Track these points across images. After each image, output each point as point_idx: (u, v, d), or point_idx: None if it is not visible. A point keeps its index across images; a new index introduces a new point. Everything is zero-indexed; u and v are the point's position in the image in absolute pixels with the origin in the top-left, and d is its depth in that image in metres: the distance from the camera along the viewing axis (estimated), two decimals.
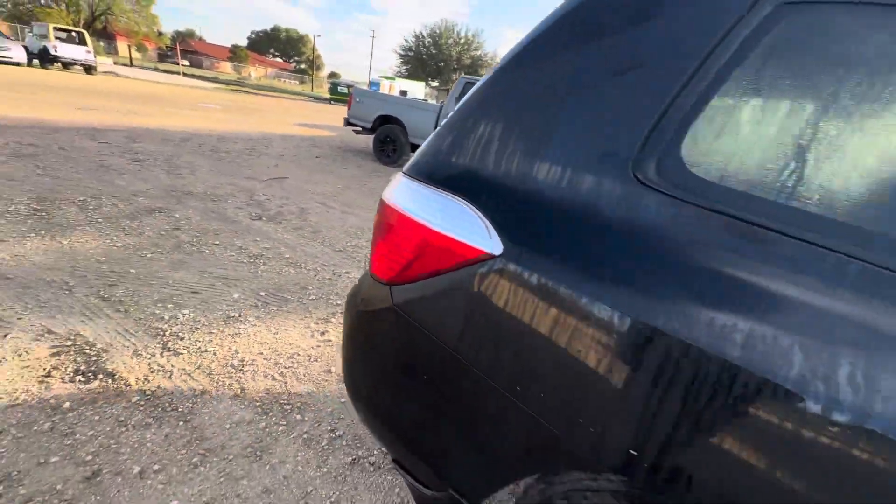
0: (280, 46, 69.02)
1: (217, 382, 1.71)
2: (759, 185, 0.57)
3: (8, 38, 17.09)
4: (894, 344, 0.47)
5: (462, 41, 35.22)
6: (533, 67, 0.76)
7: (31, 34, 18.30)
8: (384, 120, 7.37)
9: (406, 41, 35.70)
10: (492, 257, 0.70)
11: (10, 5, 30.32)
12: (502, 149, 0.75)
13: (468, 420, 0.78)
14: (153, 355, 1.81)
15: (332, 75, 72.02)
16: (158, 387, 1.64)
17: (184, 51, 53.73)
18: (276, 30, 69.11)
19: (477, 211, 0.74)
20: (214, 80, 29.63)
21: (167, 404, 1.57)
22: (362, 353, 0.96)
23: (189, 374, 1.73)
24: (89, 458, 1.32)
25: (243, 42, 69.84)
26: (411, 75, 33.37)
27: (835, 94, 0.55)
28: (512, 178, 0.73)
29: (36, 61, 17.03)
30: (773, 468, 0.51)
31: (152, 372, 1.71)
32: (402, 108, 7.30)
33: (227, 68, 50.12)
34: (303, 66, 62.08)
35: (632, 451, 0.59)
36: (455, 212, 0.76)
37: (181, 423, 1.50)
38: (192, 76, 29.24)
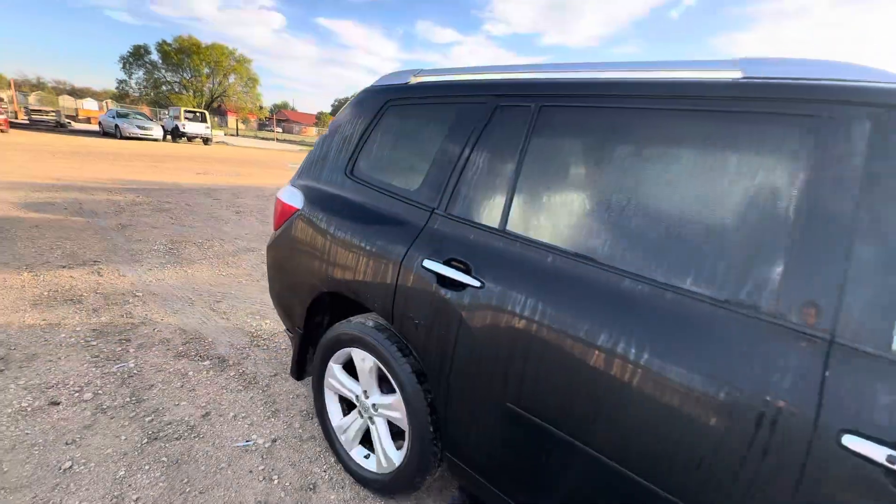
0: None
1: (285, 370, 2.36)
2: (384, 177, 1.59)
3: (150, 119, 21.91)
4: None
5: None
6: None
7: (167, 116, 23.29)
8: None
9: None
10: (300, 210, 1.74)
11: (152, 94, 38.73)
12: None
13: (290, 282, 1.83)
14: (244, 347, 2.54)
15: None
16: (248, 369, 2.33)
17: (279, 120, 63.06)
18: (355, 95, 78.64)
19: (299, 192, 1.80)
20: (301, 143, 34.46)
21: (252, 379, 2.24)
22: (269, 266, 1.99)
23: (267, 363, 2.41)
24: (203, 404, 2.00)
25: (327, 109, 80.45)
26: None
27: (416, 139, 1.61)
28: (316, 179, 1.80)
29: (169, 136, 21.52)
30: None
31: (244, 358, 2.42)
32: None
33: (312, 132, 57.77)
34: None
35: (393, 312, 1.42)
36: (295, 195, 1.80)
37: (260, 391, 2.15)
38: (284, 141, 34.43)
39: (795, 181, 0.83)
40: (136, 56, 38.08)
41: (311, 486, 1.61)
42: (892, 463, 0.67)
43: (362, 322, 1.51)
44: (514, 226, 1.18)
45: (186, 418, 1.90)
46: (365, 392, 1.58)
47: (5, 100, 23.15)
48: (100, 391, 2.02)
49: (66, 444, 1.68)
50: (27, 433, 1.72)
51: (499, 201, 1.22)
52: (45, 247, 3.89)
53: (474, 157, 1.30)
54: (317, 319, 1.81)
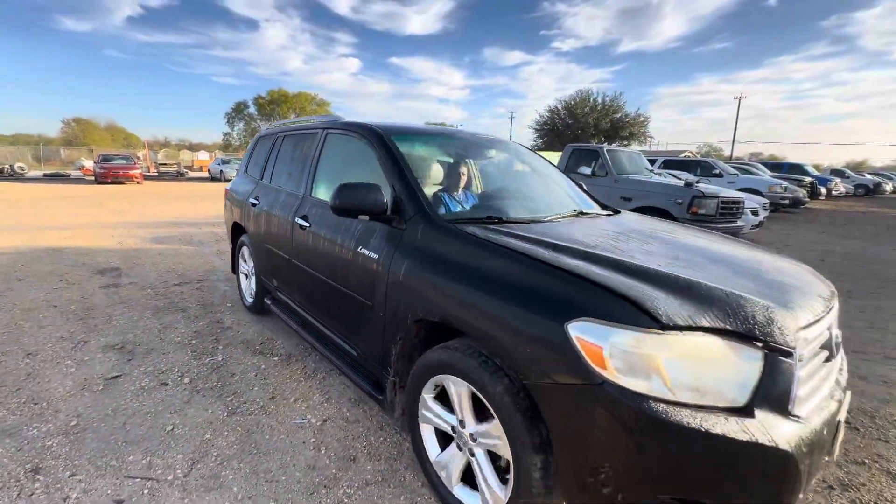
0: None
1: None
2: (269, 177, 3.30)
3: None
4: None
5: (599, 107, 36.43)
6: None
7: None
8: None
9: (540, 116, 38.66)
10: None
11: (249, 141, 45.11)
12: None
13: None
14: (308, 347, 2.97)
15: None
16: (309, 364, 2.75)
17: None
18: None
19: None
20: None
21: (312, 373, 2.63)
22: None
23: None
24: (271, 390, 2.43)
25: None
26: (547, 147, 35.63)
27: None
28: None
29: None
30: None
31: (306, 356, 2.85)
32: None
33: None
34: None
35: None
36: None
37: (318, 382, 2.52)
38: None
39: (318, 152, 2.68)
40: (237, 111, 45.03)
41: (352, 458, 1.89)
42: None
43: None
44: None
45: (258, 399, 2.33)
46: None
47: (141, 157, 28.89)
48: (196, 377, 2.55)
49: (171, 413, 2.19)
50: (144, 404, 2.26)
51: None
52: (163, 269, 4.89)
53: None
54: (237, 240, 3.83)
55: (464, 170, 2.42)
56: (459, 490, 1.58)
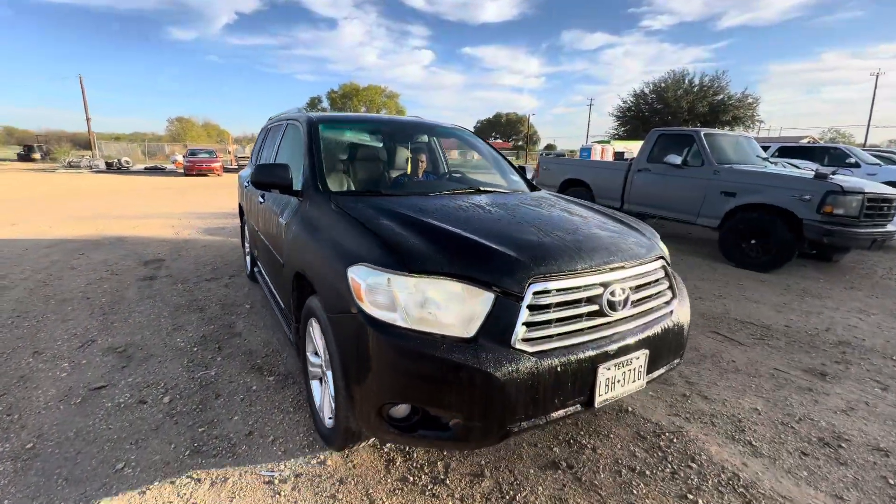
0: (501, 129, 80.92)
1: None
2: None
3: None
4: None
5: (696, 89, 32.75)
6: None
7: None
8: (570, 183, 7.73)
9: (624, 102, 35.71)
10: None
11: None
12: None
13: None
14: None
15: (549, 147, 78.08)
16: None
17: None
18: (497, 116, 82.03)
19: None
20: None
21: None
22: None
23: None
24: (251, 423, 2.05)
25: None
26: (630, 135, 32.87)
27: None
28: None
29: None
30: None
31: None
32: (587, 170, 7.52)
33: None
34: (520, 142, 70.18)
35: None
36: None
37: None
38: None
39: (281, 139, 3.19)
40: (312, 105, 47.79)
41: None
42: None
43: None
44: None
45: (232, 434, 1.96)
46: None
47: (231, 151, 31.58)
48: (178, 396, 2.27)
49: (131, 443, 1.90)
50: (110, 428, 2.00)
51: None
52: (203, 262, 4.89)
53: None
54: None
55: (387, 151, 2.97)
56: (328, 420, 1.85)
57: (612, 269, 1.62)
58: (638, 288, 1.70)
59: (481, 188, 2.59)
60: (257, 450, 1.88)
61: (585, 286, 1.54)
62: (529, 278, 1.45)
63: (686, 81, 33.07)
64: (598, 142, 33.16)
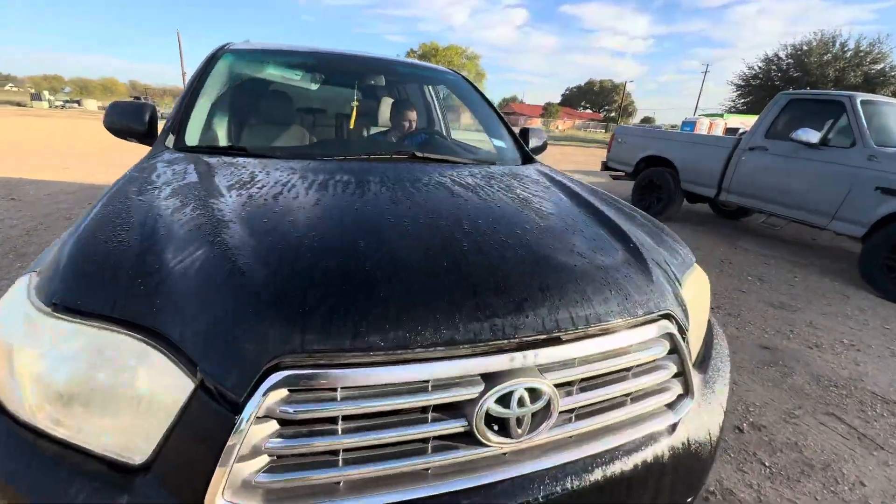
0: (592, 98, 74.95)
1: None
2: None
3: None
4: None
5: (848, 54, 26.87)
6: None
7: None
8: (650, 162, 6.18)
9: (750, 68, 30.51)
10: None
11: None
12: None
13: None
14: None
15: (646, 119, 71.08)
16: None
17: (505, 113, 67.35)
18: (589, 83, 75.82)
19: None
20: None
21: None
22: None
23: None
24: None
25: (557, 99, 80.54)
26: (751, 109, 28.16)
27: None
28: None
29: None
30: None
31: None
32: (676, 145, 5.89)
33: (537, 123, 58.95)
34: (612, 114, 64.56)
35: None
36: None
37: None
38: None
39: None
40: None
41: None
42: None
43: None
44: None
45: None
46: None
47: None
48: None
49: None
50: None
51: None
52: None
53: None
54: None
55: (321, 98, 2.43)
56: None
57: (527, 345, 0.80)
58: (591, 382, 0.88)
59: (420, 153, 1.82)
60: None
61: (445, 381, 0.75)
62: (270, 359, 0.68)
63: (836, 45, 27.31)
64: (708, 115, 28.95)
